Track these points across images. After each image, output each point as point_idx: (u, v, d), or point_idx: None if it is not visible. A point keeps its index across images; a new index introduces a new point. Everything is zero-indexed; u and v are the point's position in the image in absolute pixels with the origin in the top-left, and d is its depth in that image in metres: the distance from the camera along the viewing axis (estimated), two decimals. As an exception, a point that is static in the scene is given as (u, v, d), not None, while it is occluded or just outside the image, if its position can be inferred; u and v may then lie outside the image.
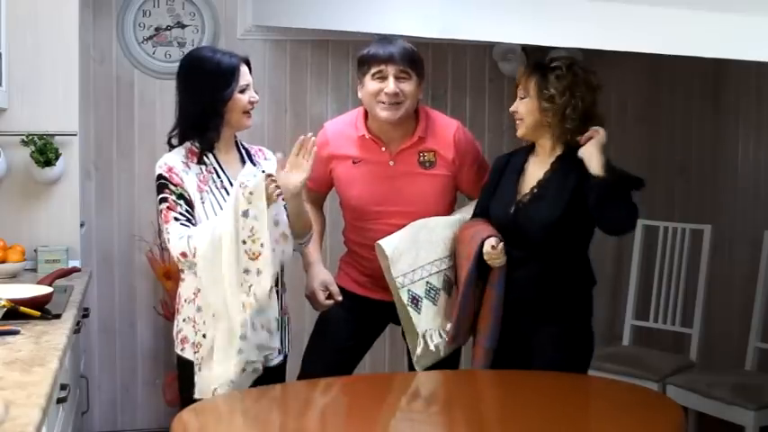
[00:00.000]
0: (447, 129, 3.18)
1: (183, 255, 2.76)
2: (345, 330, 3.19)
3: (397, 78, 3.03)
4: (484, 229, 2.96)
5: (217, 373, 2.74)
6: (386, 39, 3.14)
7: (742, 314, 4.19)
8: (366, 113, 3.16)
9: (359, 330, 3.23)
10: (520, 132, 2.99)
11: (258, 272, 2.71)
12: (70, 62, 3.68)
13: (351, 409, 2.67)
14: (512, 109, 2.99)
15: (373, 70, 3.05)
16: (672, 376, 3.91)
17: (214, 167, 2.89)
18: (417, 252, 3.01)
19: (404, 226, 3.04)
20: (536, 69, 2.94)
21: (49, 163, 3.57)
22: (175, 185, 2.82)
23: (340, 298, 3.13)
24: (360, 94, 3.14)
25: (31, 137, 3.57)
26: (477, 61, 4.60)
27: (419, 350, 3.02)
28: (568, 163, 2.90)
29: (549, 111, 2.89)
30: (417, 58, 3.10)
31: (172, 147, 2.93)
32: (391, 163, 3.12)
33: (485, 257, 2.89)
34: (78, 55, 3.71)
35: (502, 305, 2.91)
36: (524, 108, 2.95)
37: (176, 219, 2.79)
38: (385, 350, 4.36)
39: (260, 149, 3.07)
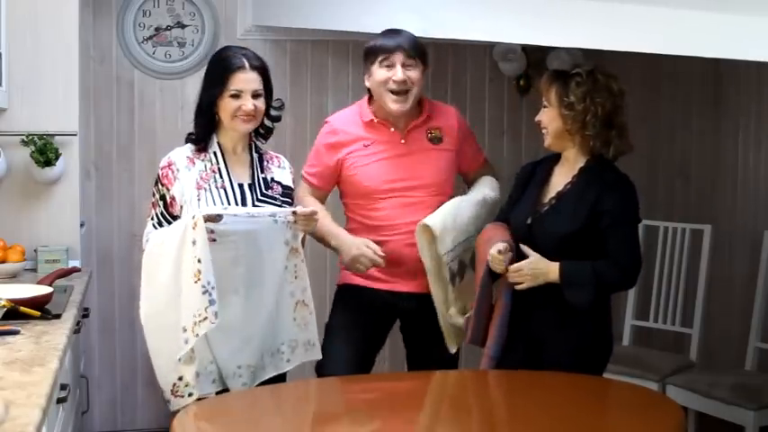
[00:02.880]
0: (449, 109, 3.38)
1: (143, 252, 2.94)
2: (359, 335, 3.20)
3: (404, 66, 3.14)
4: (499, 233, 2.98)
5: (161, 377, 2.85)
6: (391, 30, 3.22)
7: (742, 314, 4.19)
8: (369, 100, 3.24)
9: (371, 332, 3.25)
10: (546, 143, 2.99)
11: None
12: (70, 62, 3.68)
13: (353, 410, 2.66)
14: (537, 119, 3.00)
15: (381, 58, 3.14)
16: (672, 376, 3.91)
17: (219, 167, 2.92)
18: (457, 230, 3.11)
19: (415, 201, 3.14)
20: (557, 78, 2.93)
21: (49, 163, 3.57)
22: (163, 185, 2.91)
23: (381, 253, 3.11)
24: (368, 84, 3.21)
25: (31, 137, 3.57)
26: (477, 61, 4.60)
27: (452, 322, 3.13)
28: (590, 176, 2.90)
29: (568, 118, 2.88)
30: (422, 46, 3.21)
31: (188, 140, 2.99)
32: (402, 141, 3.21)
33: (489, 260, 2.90)
34: (78, 55, 3.71)
35: (508, 317, 2.92)
36: (546, 117, 2.95)
37: (152, 218, 2.94)
38: (385, 350, 4.36)
39: (276, 156, 3.09)
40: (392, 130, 3.21)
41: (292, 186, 3.07)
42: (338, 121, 3.29)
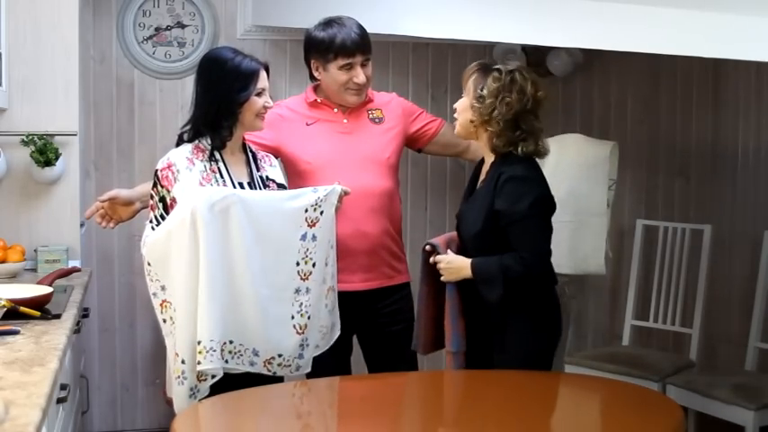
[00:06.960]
0: (389, 94, 3.48)
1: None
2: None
3: (362, 66, 3.22)
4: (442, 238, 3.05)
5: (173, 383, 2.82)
6: (335, 21, 3.24)
7: (742, 314, 4.19)
8: (314, 88, 3.34)
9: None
10: (455, 130, 3.02)
11: (308, 290, 2.89)
12: (70, 62, 3.68)
13: (346, 409, 2.66)
14: (454, 105, 3.02)
15: (341, 62, 3.20)
16: (672, 376, 3.90)
17: (218, 167, 2.93)
18: None
19: (357, 181, 3.13)
20: (479, 69, 2.94)
21: (49, 163, 3.57)
22: (162, 186, 2.89)
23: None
24: (319, 76, 3.27)
25: (31, 137, 3.57)
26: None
27: None
28: (494, 173, 2.90)
29: (476, 111, 2.89)
30: (369, 37, 3.27)
31: (181, 142, 2.97)
32: (345, 120, 3.29)
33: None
34: (78, 55, 3.72)
35: (456, 310, 2.93)
36: (460, 105, 2.98)
37: (150, 221, 2.91)
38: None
39: (266, 155, 3.13)
40: (335, 110, 3.29)
41: (285, 184, 3.11)
42: (285, 101, 3.42)
